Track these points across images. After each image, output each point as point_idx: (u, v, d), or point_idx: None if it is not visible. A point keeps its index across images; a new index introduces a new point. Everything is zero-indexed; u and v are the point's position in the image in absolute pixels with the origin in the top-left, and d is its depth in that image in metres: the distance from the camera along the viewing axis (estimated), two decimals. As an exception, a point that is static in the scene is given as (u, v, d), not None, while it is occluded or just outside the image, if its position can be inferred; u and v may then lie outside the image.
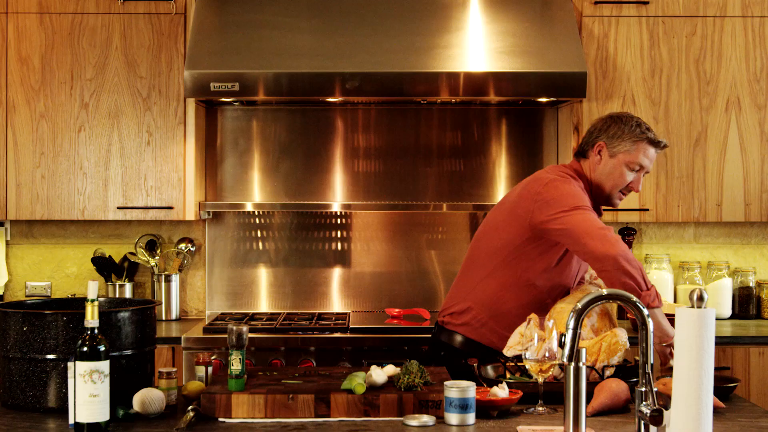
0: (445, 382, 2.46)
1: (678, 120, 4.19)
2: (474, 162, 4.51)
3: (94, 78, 4.13)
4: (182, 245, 4.46)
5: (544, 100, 4.14)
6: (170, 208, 4.14)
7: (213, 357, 2.88)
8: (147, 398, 2.50)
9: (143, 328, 2.72)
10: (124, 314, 2.66)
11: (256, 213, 4.49)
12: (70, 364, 2.43)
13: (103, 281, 4.42)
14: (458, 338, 3.22)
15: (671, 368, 2.82)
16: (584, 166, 3.23)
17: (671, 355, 2.94)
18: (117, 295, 4.34)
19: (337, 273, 4.51)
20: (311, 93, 3.92)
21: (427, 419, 2.44)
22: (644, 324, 2.23)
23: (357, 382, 2.54)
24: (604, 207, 3.26)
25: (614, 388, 2.63)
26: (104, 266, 4.39)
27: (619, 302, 2.30)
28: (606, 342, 2.82)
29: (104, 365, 2.36)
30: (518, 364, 2.86)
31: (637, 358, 2.27)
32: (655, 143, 3.15)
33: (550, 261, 3.12)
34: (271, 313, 4.36)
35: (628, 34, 4.18)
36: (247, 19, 4.04)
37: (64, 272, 4.50)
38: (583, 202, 3.03)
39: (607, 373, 2.77)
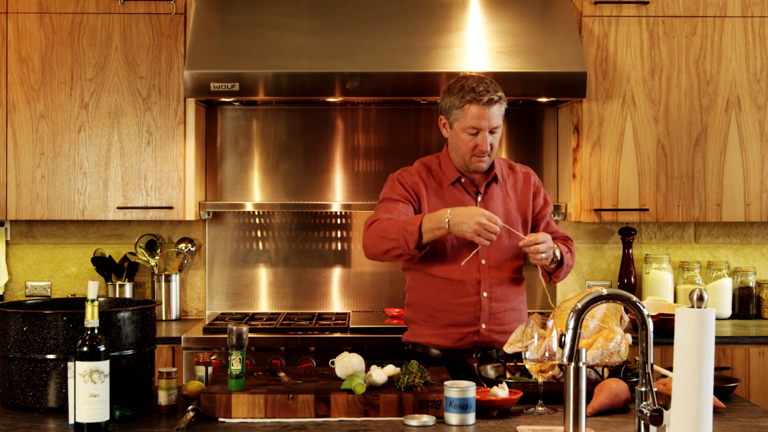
0: (445, 382, 2.46)
1: (678, 120, 4.19)
2: (474, 162, 4.50)
3: (94, 78, 4.13)
4: (182, 245, 4.45)
5: (544, 100, 4.14)
6: (170, 208, 4.14)
7: (213, 357, 2.88)
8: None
9: (143, 328, 2.72)
10: (124, 314, 2.66)
11: (256, 213, 4.49)
12: (70, 364, 2.43)
13: (103, 281, 4.42)
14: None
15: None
16: None
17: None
18: (117, 295, 4.34)
19: (337, 273, 4.51)
20: (311, 93, 3.92)
21: (427, 419, 2.44)
22: (644, 324, 2.23)
23: (357, 382, 2.54)
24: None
25: (614, 388, 2.63)
26: (104, 266, 4.38)
27: (618, 302, 2.31)
28: (603, 338, 2.82)
29: (104, 365, 2.36)
30: (518, 363, 2.86)
31: (637, 358, 2.27)
32: (478, 101, 3.06)
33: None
34: (271, 313, 4.36)
35: (628, 34, 4.18)
36: (247, 19, 4.04)
37: (64, 272, 4.50)
38: (387, 196, 3.18)
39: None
